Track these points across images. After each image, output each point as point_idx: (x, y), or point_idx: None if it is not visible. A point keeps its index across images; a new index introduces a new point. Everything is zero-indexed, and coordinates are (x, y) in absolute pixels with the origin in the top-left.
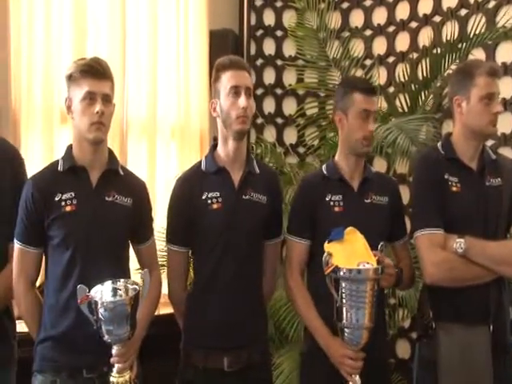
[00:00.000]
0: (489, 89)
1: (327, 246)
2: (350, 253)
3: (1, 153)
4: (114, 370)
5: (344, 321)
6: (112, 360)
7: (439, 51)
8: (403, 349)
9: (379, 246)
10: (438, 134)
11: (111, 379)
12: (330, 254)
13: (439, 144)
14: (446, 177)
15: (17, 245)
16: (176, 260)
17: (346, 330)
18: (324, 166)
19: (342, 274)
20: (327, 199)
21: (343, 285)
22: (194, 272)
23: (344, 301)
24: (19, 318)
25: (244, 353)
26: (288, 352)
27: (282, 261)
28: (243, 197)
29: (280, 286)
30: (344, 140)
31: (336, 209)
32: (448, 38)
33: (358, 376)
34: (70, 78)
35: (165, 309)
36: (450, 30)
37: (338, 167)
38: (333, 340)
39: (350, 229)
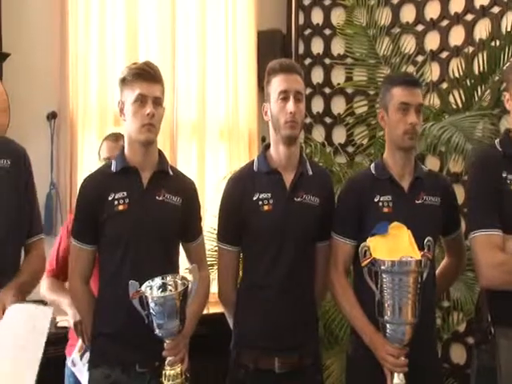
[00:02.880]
0: None
1: (370, 240)
2: (394, 247)
3: (15, 154)
4: (166, 363)
5: (386, 316)
6: (164, 353)
7: (497, 44)
8: (458, 354)
9: (425, 241)
10: (496, 131)
11: (163, 372)
12: (367, 246)
13: (497, 141)
14: (504, 175)
15: (73, 243)
16: (226, 259)
17: (387, 325)
18: (372, 165)
19: (383, 266)
20: (376, 200)
21: (384, 278)
22: (243, 272)
23: (385, 295)
24: None
25: (295, 355)
26: (338, 353)
27: None
28: (295, 199)
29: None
30: (388, 137)
31: (385, 210)
32: (508, 30)
33: (401, 374)
34: (123, 82)
35: (215, 308)
36: (511, 21)
37: (387, 166)
38: (376, 336)
39: (395, 224)
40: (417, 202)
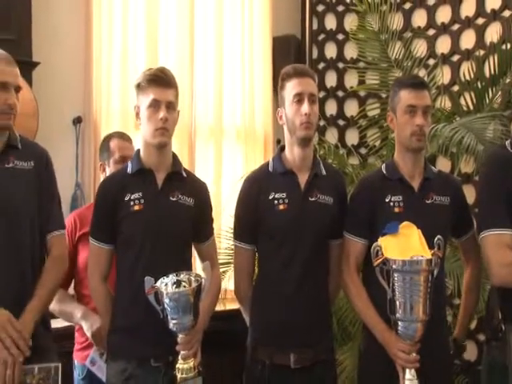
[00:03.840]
0: None
1: (381, 240)
2: (405, 247)
3: (37, 156)
4: (180, 356)
5: (397, 314)
6: (177, 347)
7: (508, 47)
8: (469, 351)
9: (435, 240)
10: (507, 132)
11: (177, 366)
12: (379, 246)
13: (508, 142)
14: None
15: (92, 242)
16: (243, 257)
17: (399, 323)
18: (383, 166)
19: (394, 265)
20: (387, 200)
21: (396, 277)
22: (259, 269)
23: (397, 293)
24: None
25: (310, 350)
26: (351, 349)
27: None
28: (309, 199)
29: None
30: (397, 138)
31: (396, 209)
32: None
33: (413, 370)
34: (139, 87)
35: (231, 304)
36: None
37: (398, 167)
38: (388, 334)
39: (405, 223)
40: (427, 201)
